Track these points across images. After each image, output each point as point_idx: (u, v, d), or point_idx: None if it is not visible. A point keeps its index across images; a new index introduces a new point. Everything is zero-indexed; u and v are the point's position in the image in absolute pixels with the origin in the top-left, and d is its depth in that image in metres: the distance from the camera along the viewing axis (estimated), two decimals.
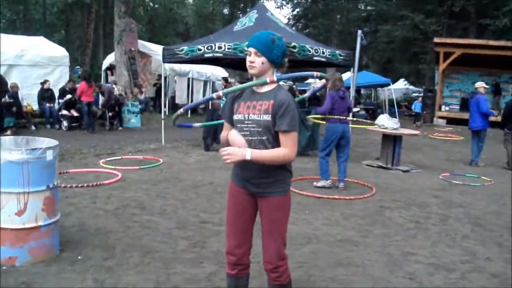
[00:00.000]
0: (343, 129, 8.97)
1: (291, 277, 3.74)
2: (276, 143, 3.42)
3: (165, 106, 16.40)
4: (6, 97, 15.24)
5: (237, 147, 3.38)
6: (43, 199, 4.86)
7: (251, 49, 3.42)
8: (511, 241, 6.43)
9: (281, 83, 3.57)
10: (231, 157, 3.31)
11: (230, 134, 3.51)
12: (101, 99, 18.97)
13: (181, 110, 3.60)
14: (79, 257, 5.14)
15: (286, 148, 3.37)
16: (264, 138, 3.43)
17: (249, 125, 3.45)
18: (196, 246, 5.70)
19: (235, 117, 3.54)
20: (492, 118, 12.87)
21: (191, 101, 24.89)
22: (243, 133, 3.48)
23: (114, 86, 19.48)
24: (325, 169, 9.12)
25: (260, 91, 3.50)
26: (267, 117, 3.38)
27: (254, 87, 3.52)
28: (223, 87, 19.07)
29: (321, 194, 8.47)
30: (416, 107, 26.46)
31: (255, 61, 3.42)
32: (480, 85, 13.05)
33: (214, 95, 3.58)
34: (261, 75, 3.47)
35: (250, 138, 3.45)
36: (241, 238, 3.67)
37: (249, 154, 3.31)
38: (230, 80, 22.90)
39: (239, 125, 3.51)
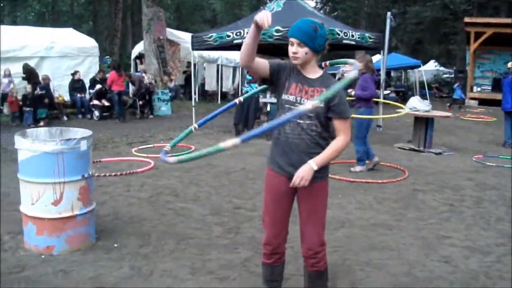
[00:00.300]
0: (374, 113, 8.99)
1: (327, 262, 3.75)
2: (322, 129, 3.45)
3: (195, 94, 16.40)
4: (38, 89, 15.45)
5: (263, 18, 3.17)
6: (79, 189, 4.92)
7: (293, 40, 3.37)
8: None
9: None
10: (306, 179, 3.33)
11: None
12: (131, 88, 19.10)
13: (196, 125, 3.51)
14: (115, 245, 5.21)
15: (343, 134, 3.44)
16: (313, 122, 3.43)
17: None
18: (230, 232, 5.73)
19: (285, 96, 3.49)
20: None
21: (221, 87, 24.86)
22: None
23: (144, 74, 19.58)
24: (364, 155, 9.10)
25: (310, 77, 3.48)
26: (321, 104, 3.35)
27: (302, 71, 3.47)
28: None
29: (354, 178, 8.45)
30: (456, 92, 24.55)
31: (298, 52, 3.38)
32: (510, 64, 12.86)
33: (237, 101, 3.53)
34: (305, 64, 3.44)
35: (299, 121, 3.43)
36: (280, 227, 3.69)
37: (314, 165, 3.34)
38: None
39: (288, 105, 3.45)
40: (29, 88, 15.35)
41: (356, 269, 4.74)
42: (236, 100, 3.66)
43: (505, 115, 12.77)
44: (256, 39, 3.32)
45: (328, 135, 3.53)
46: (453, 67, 35.04)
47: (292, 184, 3.35)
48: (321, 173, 3.52)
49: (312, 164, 3.33)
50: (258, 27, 3.23)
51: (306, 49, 3.36)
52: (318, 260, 3.64)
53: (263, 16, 3.13)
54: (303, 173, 3.31)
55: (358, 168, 9.10)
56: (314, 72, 3.49)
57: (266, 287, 3.90)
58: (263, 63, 3.48)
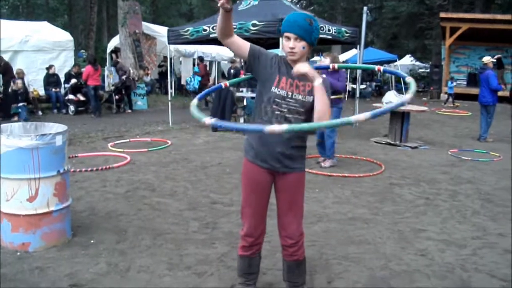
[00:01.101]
0: None
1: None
2: (308, 121, 3.42)
3: (171, 88, 16.35)
4: (17, 81, 15.30)
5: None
6: (54, 184, 4.87)
7: (290, 34, 3.35)
8: None
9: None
10: (304, 68, 3.23)
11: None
12: (107, 82, 18.97)
13: (196, 100, 3.44)
14: (92, 241, 5.17)
15: None
16: (302, 117, 3.44)
17: (290, 103, 3.41)
18: (207, 227, 5.72)
19: (275, 89, 3.43)
20: (499, 93, 12.75)
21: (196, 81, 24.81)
22: (281, 109, 3.42)
23: (130, 69, 19.51)
24: (334, 150, 9.11)
25: None
26: (311, 99, 3.40)
27: (292, 65, 3.41)
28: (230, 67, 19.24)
29: (331, 172, 8.47)
30: (450, 88, 23.87)
31: (295, 47, 3.36)
32: (489, 60, 12.96)
33: (222, 84, 3.52)
34: (300, 59, 3.41)
35: (287, 115, 3.42)
36: (260, 218, 3.70)
37: (318, 81, 3.26)
38: (235, 58, 22.85)
39: (278, 100, 3.43)
40: None
41: (334, 263, 4.75)
42: (222, 84, 3.63)
43: (481, 108, 12.88)
44: (226, 20, 3.33)
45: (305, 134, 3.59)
46: (429, 62, 35.25)
47: (295, 70, 3.25)
48: (299, 164, 3.58)
49: (319, 79, 3.26)
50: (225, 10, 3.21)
51: (303, 43, 3.35)
52: (297, 249, 3.69)
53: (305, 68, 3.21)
54: (303, 66, 3.25)
55: (328, 163, 9.09)
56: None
57: (243, 280, 3.91)
58: (243, 43, 3.49)
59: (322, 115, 3.26)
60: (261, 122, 3.46)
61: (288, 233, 3.66)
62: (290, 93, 3.43)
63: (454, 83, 23.73)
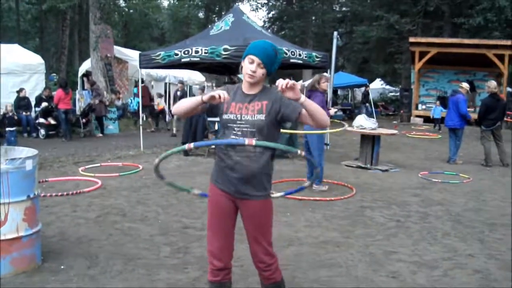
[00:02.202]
0: None
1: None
2: (269, 140, 3.46)
3: (142, 112, 16.33)
4: (7, 105, 15.37)
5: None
6: (24, 209, 4.82)
7: (255, 58, 3.42)
8: (491, 237, 6.51)
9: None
10: (295, 87, 3.28)
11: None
12: (78, 106, 18.88)
13: (192, 145, 3.50)
14: (62, 267, 5.11)
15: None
16: (256, 138, 3.45)
17: (241, 125, 3.48)
18: (179, 252, 5.69)
19: (226, 116, 3.54)
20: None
21: (169, 105, 24.74)
22: (234, 132, 3.50)
23: (105, 93, 19.49)
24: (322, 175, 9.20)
25: (250, 93, 3.55)
26: (261, 117, 3.46)
27: (244, 90, 3.55)
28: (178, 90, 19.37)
29: (302, 196, 8.50)
30: (436, 112, 23.36)
31: (256, 71, 3.45)
32: (465, 86, 13.17)
33: (246, 142, 3.34)
34: (256, 84, 3.52)
35: (243, 138, 3.45)
36: (225, 241, 3.69)
37: (303, 98, 3.35)
38: (207, 84, 22.85)
39: (230, 124, 3.51)
40: None
41: (305, 287, 4.76)
42: (246, 142, 3.56)
43: (449, 132, 13.05)
44: (199, 109, 3.55)
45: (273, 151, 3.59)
46: (399, 86, 35.65)
47: (278, 84, 3.29)
48: (264, 191, 3.59)
49: (302, 96, 3.34)
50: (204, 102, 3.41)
51: (264, 71, 3.46)
52: (273, 272, 3.70)
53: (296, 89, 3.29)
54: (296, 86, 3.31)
55: (322, 187, 9.13)
56: (256, 88, 3.57)
57: None
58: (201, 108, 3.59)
59: (323, 123, 3.46)
60: (223, 148, 3.56)
61: (257, 258, 3.68)
62: (239, 115, 3.50)
63: (439, 107, 23.25)
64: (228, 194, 3.59)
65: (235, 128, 3.50)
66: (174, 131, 18.60)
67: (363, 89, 30.51)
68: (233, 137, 3.49)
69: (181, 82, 20.15)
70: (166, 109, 22.25)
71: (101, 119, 18.60)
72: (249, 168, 3.49)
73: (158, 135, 17.67)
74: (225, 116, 3.54)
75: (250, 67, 3.44)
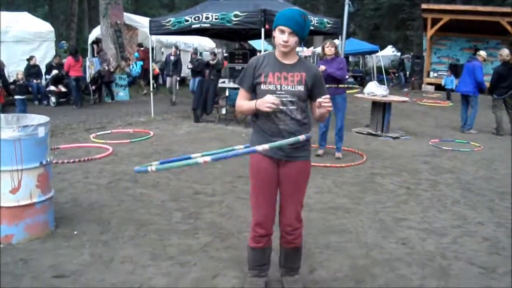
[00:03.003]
0: None
1: None
2: (303, 109, 3.65)
3: (153, 79, 16.30)
4: (18, 73, 15.46)
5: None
6: (37, 176, 4.87)
7: (286, 28, 3.50)
8: (501, 205, 6.52)
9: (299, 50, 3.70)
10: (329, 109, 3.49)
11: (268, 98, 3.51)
12: (88, 73, 18.86)
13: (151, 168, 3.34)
14: (75, 233, 5.17)
15: None
16: (295, 107, 3.59)
17: (281, 95, 3.56)
18: (190, 218, 5.75)
19: (264, 87, 3.61)
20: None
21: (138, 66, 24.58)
22: None
23: (111, 61, 19.42)
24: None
25: (288, 63, 3.63)
26: (301, 88, 3.59)
27: (280, 58, 3.63)
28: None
29: (313, 162, 8.48)
30: (447, 82, 21.89)
31: (289, 41, 3.52)
32: (483, 54, 13.05)
33: (261, 149, 3.30)
34: (290, 52, 3.61)
35: (282, 107, 3.56)
36: (270, 208, 3.80)
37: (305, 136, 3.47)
38: (217, 50, 22.72)
39: (269, 95, 3.55)
40: None
41: (315, 252, 4.81)
42: (260, 148, 3.55)
43: (462, 99, 12.96)
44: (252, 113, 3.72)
45: (307, 110, 3.74)
46: (411, 53, 35.35)
47: (322, 101, 3.43)
48: (303, 153, 3.72)
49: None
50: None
51: (296, 38, 3.54)
52: (296, 236, 3.85)
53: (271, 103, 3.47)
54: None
55: (322, 151, 9.18)
56: (292, 58, 3.65)
57: (256, 272, 3.97)
58: (249, 99, 3.73)
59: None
60: (262, 119, 3.68)
61: (287, 220, 3.79)
62: (278, 86, 3.58)
63: (450, 77, 22.15)
64: (274, 158, 3.69)
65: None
66: (174, 99, 17.97)
67: (374, 56, 30.27)
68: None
69: (176, 47, 19.69)
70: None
71: (109, 86, 18.60)
72: (295, 129, 3.60)
73: (165, 100, 17.70)
74: (263, 87, 3.61)
75: (282, 37, 3.52)
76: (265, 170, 3.71)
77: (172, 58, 18.33)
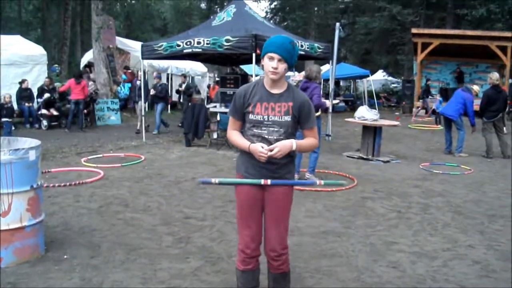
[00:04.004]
0: None
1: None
2: (290, 136, 3.67)
3: (145, 103, 16.29)
4: (6, 96, 15.48)
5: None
6: (27, 199, 4.86)
7: (275, 55, 3.53)
8: (491, 228, 6.54)
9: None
10: (282, 152, 3.52)
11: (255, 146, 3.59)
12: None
13: (215, 180, 3.70)
14: (65, 257, 5.15)
15: (314, 138, 3.76)
16: (282, 137, 3.63)
17: (268, 125, 3.62)
18: (181, 242, 5.73)
19: (252, 117, 3.65)
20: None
21: (171, 96, 24.68)
22: (261, 131, 3.65)
23: (91, 82, 19.40)
24: (315, 165, 9.30)
25: (276, 92, 3.66)
26: (288, 118, 3.63)
27: (268, 88, 3.67)
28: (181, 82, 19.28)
29: (303, 186, 8.52)
30: (437, 105, 21.11)
31: (278, 67, 3.55)
32: (476, 89, 13.26)
33: (262, 182, 3.65)
34: (279, 80, 3.64)
35: (268, 137, 3.63)
36: (256, 230, 3.81)
37: (295, 144, 3.59)
38: (209, 74, 22.72)
39: (257, 124, 3.64)
40: None
41: (306, 276, 4.80)
42: (262, 181, 3.75)
43: (445, 121, 13.17)
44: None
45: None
46: (401, 77, 35.60)
47: (268, 150, 3.52)
48: (288, 178, 3.76)
49: (293, 143, 3.57)
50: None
51: (285, 65, 3.57)
52: (282, 262, 3.81)
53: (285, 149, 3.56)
54: (282, 147, 3.52)
55: (315, 178, 9.16)
56: (280, 86, 3.68)
57: None
58: (240, 126, 3.79)
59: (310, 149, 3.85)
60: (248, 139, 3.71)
61: (271, 246, 3.77)
62: (266, 116, 3.62)
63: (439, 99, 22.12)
64: (259, 186, 3.71)
65: (262, 128, 3.63)
66: (138, 127, 16.38)
67: (365, 80, 30.41)
68: (260, 132, 3.64)
69: (184, 76, 20.05)
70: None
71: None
72: (279, 160, 3.64)
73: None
74: (251, 117, 3.65)
75: (271, 64, 3.54)
76: (248, 193, 3.74)
77: (138, 82, 17.00)
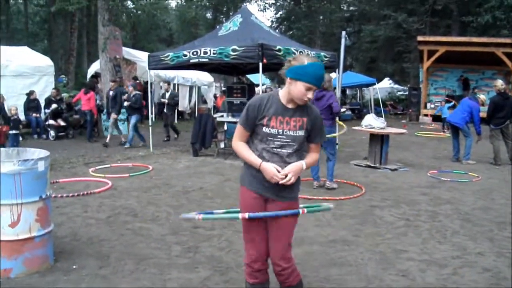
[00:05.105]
0: None
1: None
2: (300, 150, 3.72)
3: (151, 113, 16.27)
4: (12, 108, 15.56)
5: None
6: (36, 210, 4.87)
7: (314, 87, 3.55)
8: (500, 235, 6.52)
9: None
10: (295, 178, 3.61)
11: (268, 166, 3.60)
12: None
13: (199, 216, 3.66)
14: (74, 267, 5.16)
15: (317, 152, 3.82)
16: (290, 151, 3.66)
17: (282, 140, 3.63)
18: (190, 251, 5.73)
19: (266, 130, 3.64)
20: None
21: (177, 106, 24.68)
22: (273, 145, 3.64)
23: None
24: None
25: (291, 107, 3.66)
26: (302, 133, 3.67)
27: (284, 101, 3.66)
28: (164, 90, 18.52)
29: (311, 195, 8.51)
30: (444, 111, 21.64)
31: (311, 97, 3.59)
32: (483, 98, 13.26)
33: (240, 216, 3.64)
34: None
35: (279, 150, 3.64)
36: (262, 243, 3.80)
37: (305, 165, 3.67)
38: (215, 84, 22.59)
39: (270, 138, 3.64)
40: None
41: (316, 286, 4.79)
42: (240, 216, 3.75)
43: (452, 128, 13.22)
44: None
45: (304, 155, 3.80)
46: (407, 85, 35.56)
47: (283, 175, 3.56)
48: (293, 193, 3.76)
49: (303, 164, 3.62)
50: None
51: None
52: (287, 277, 3.77)
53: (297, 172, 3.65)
54: (294, 173, 3.58)
55: (334, 185, 9.24)
56: (294, 102, 3.66)
57: None
58: (247, 138, 3.78)
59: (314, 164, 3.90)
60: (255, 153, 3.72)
61: (275, 261, 3.75)
62: (280, 130, 3.63)
63: (445, 105, 22.09)
64: (263, 196, 3.73)
65: (276, 142, 3.64)
66: (108, 140, 15.68)
67: (371, 88, 30.40)
68: (272, 147, 3.65)
69: (167, 82, 19.05)
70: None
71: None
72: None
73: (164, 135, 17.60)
74: (265, 129, 3.65)
75: (307, 94, 3.55)
76: (254, 208, 3.71)
77: (111, 93, 16.11)
